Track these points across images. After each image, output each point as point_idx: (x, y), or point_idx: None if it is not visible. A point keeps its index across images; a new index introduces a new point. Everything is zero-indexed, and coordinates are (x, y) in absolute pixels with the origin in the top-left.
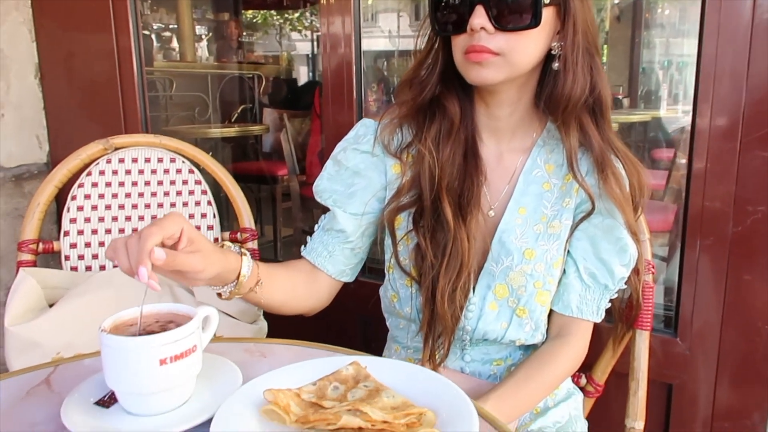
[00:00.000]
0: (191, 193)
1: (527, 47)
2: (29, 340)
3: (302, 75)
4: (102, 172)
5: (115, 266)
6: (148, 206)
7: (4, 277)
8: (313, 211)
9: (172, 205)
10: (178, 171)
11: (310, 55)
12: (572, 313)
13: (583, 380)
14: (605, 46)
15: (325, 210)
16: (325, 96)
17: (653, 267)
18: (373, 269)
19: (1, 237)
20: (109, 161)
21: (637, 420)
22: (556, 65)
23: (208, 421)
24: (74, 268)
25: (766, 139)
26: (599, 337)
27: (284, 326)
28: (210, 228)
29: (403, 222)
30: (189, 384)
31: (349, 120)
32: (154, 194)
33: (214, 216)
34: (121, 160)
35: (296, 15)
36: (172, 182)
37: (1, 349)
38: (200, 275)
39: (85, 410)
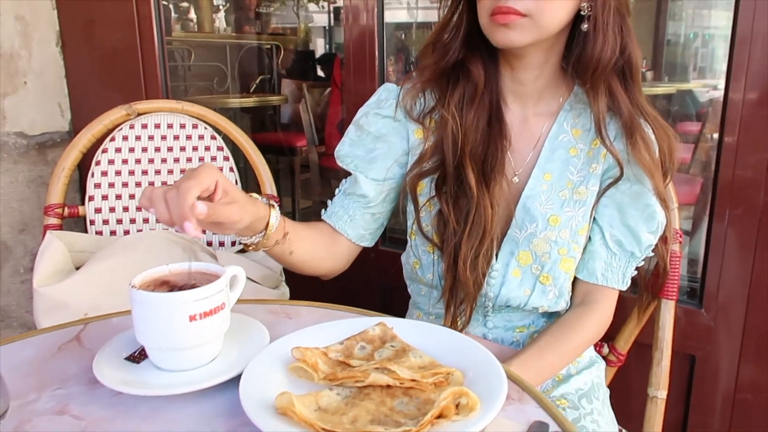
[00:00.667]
0: (213, 159)
1: (556, 8)
2: (57, 300)
3: (319, 47)
4: (125, 138)
5: (139, 229)
6: (171, 172)
7: (29, 244)
8: (331, 182)
9: None
10: (201, 137)
11: (326, 27)
12: (597, 281)
13: (606, 349)
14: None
15: (346, 174)
16: (347, 67)
17: (681, 236)
18: (393, 238)
19: (26, 204)
20: (132, 127)
21: (660, 389)
22: (585, 26)
23: (237, 378)
24: (99, 233)
25: None
26: (622, 307)
27: (306, 293)
28: None
29: (426, 188)
30: (218, 341)
31: (371, 91)
32: (176, 160)
33: (237, 182)
34: (144, 126)
35: None
36: (195, 148)
37: (28, 314)
38: (237, 225)
39: (117, 365)
